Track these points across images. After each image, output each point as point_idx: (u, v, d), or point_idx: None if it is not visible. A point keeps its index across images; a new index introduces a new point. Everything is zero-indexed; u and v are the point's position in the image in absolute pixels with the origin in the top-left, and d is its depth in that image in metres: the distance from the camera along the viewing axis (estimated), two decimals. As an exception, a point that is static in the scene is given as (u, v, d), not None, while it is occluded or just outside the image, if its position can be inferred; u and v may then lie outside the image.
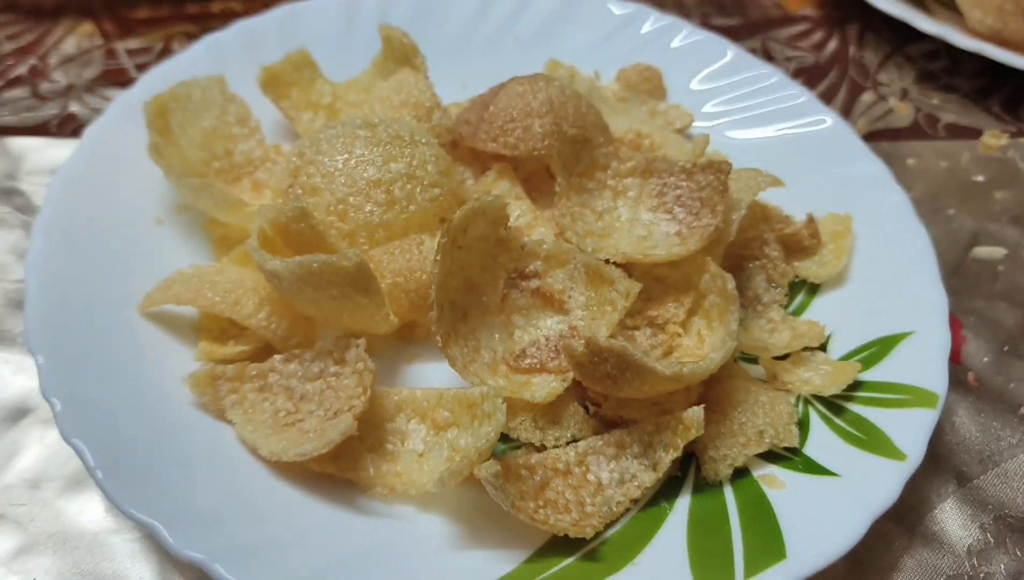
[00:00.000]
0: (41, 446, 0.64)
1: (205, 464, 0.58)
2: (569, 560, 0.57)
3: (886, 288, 0.72)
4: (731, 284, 0.64)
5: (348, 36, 0.91)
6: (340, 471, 0.60)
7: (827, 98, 1.01)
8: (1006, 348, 0.77)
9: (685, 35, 0.94)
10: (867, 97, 1.02)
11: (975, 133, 0.98)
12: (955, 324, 0.78)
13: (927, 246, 0.73)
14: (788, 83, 0.89)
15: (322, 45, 0.86)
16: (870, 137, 0.96)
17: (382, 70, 0.83)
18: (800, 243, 0.76)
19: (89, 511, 0.61)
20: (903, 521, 0.64)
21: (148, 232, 0.72)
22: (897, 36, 1.10)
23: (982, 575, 0.62)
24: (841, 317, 0.72)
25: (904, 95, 1.03)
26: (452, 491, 0.59)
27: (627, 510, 0.60)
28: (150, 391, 0.61)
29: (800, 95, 0.87)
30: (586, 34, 0.95)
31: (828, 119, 0.85)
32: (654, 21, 0.95)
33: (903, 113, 1.00)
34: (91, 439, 0.55)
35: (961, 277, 0.82)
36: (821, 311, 0.73)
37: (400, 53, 0.81)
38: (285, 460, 0.58)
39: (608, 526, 0.59)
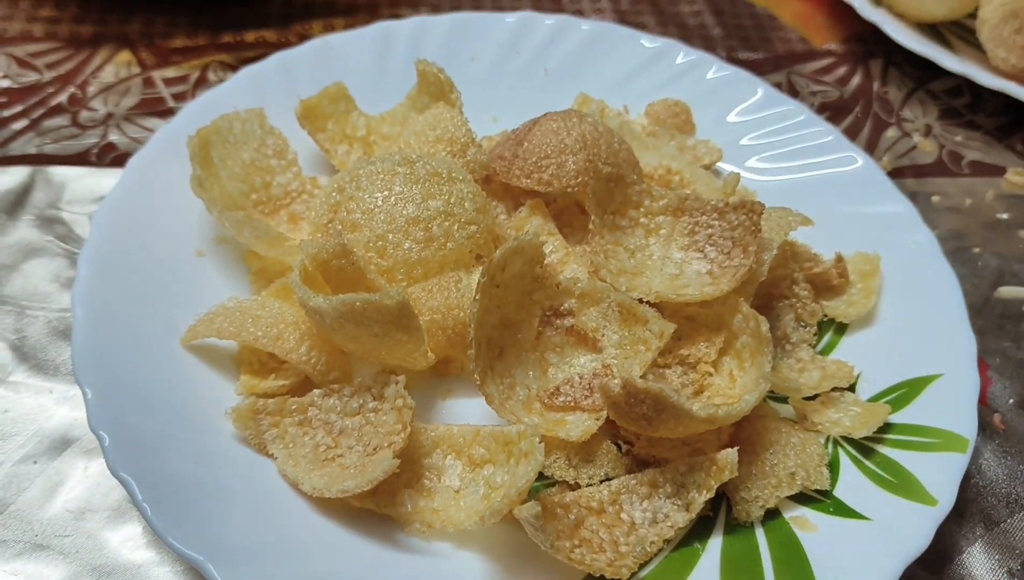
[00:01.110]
0: (85, 476, 0.65)
1: (249, 499, 0.59)
2: (605, 600, 0.57)
3: (914, 329, 0.73)
4: (765, 326, 0.64)
5: (382, 68, 0.92)
6: (379, 507, 0.61)
7: (852, 133, 1.02)
8: (1032, 390, 0.77)
9: (715, 70, 0.95)
10: (891, 133, 1.03)
11: (999, 170, 0.99)
12: (981, 365, 0.78)
13: (955, 287, 0.74)
14: (816, 121, 0.90)
15: (357, 76, 0.88)
16: (895, 173, 0.97)
17: (416, 103, 0.85)
18: (829, 282, 0.77)
19: (132, 543, 0.62)
20: (931, 566, 0.65)
21: (189, 263, 0.73)
22: (920, 72, 1.11)
23: (1010, 620, 0.63)
24: (869, 357, 0.72)
25: (928, 131, 1.04)
26: (488, 528, 0.60)
27: (660, 550, 0.61)
28: (194, 424, 0.62)
29: (828, 133, 0.88)
30: (616, 68, 0.96)
31: (857, 157, 0.86)
32: (684, 56, 0.96)
33: (927, 150, 1.01)
34: (138, 473, 0.57)
35: (986, 317, 0.83)
36: (849, 351, 0.74)
37: (435, 87, 0.82)
38: (327, 496, 0.59)
39: (642, 566, 0.60)
